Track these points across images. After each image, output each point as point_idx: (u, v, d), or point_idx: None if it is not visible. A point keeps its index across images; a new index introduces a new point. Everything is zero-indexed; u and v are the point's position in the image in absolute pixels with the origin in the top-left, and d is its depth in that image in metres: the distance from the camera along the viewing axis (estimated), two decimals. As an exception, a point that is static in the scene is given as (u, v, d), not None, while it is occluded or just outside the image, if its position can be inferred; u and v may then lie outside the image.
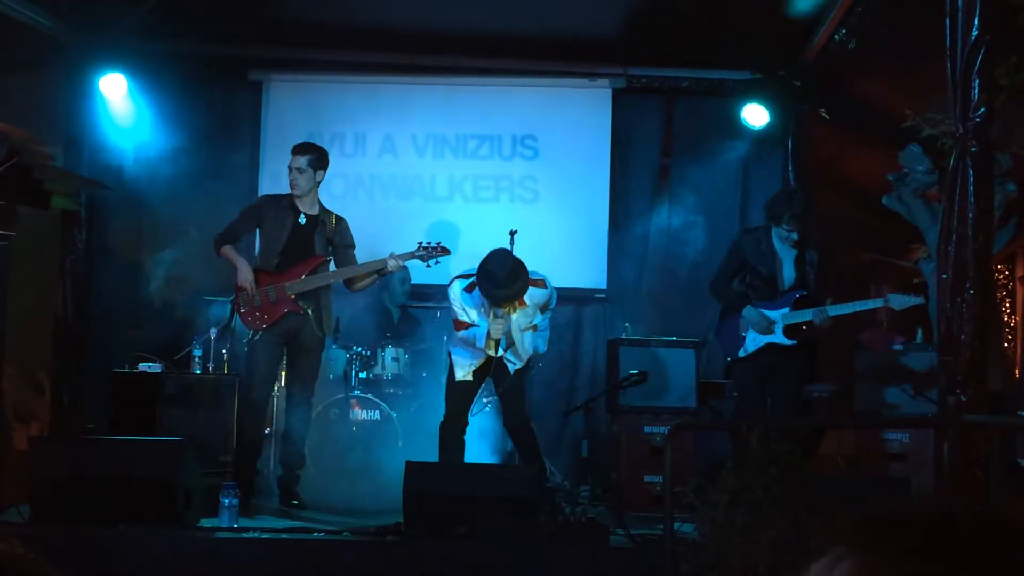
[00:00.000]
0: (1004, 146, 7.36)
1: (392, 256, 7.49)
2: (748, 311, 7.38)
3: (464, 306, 7.05)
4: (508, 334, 6.95)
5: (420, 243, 7.57)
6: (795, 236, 7.40)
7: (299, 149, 7.73)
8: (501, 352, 7.00)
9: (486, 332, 6.90)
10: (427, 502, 6.12)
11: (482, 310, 6.97)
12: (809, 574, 1.27)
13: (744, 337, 7.42)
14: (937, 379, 6.16)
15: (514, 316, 6.98)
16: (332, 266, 7.77)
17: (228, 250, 7.66)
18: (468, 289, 7.04)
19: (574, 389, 8.99)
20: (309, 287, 7.51)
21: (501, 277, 6.80)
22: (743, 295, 7.49)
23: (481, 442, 7.91)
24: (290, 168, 7.67)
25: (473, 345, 7.01)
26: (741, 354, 7.43)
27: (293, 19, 9.48)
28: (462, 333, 7.08)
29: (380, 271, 7.56)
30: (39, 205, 8.62)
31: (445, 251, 7.50)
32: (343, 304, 7.90)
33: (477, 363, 7.11)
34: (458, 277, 7.18)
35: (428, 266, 7.60)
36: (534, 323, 7.05)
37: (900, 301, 7.31)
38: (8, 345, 7.66)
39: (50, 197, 8.52)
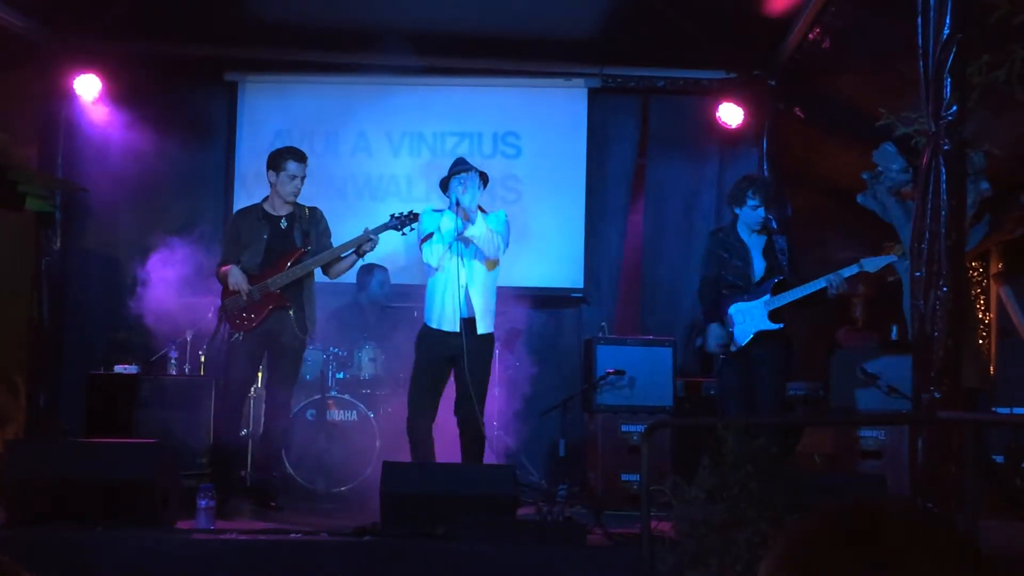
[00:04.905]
0: (977, 144, 7.41)
1: (367, 230, 7.48)
2: (712, 328, 7.52)
3: (431, 216, 7.23)
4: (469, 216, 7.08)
5: (392, 215, 7.56)
6: (761, 212, 7.45)
7: (299, 156, 7.64)
8: (466, 230, 7.07)
9: (450, 219, 7.07)
10: (404, 502, 6.12)
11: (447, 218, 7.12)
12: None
13: (731, 333, 7.44)
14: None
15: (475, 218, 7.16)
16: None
17: (223, 269, 7.61)
18: (436, 210, 7.29)
19: (550, 388, 8.99)
20: (292, 278, 7.49)
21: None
22: (716, 306, 7.57)
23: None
24: (292, 177, 7.56)
25: (437, 253, 7.09)
26: (732, 348, 7.44)
27: (269, 20, 9.45)
28: (426, 245, 7.16)
29: (358, 249, 7.51)
30: (14, 207, 8.59)
31: (417, 217, 7.48)
32: (321, 305, 7.88)
33: (455, 304, 7.10)
34: None
35: (403, 234, 7.59)
36: (493, 231, 7.14)
37: (874, 263, 7.35)
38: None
39: (25, 199, 8.49)
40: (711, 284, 7.65)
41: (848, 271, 7.31)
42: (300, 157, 7.64)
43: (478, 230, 7.06)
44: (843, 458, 7.98)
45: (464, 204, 7.01)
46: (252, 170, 9.44)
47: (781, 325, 7.39)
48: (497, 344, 7.73)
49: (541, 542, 6.00)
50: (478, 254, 7.13)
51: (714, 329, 7.52)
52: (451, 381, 7.29)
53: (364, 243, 7.47)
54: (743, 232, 7.57)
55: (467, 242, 7.12)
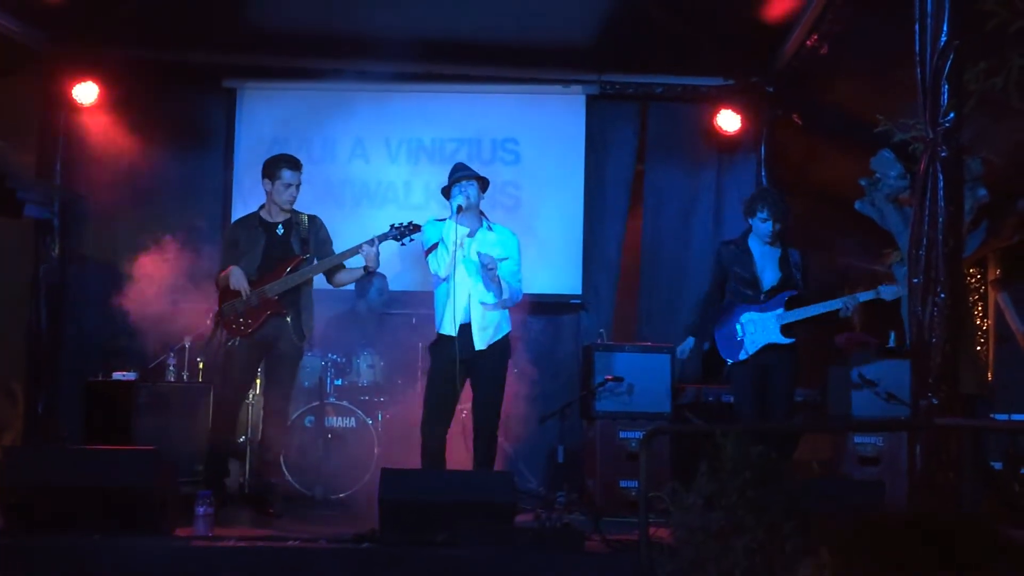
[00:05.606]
0: (974, 151, 7.42)
1: (368, 241, 7.46)
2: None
3: (434, 226, 7.20)
4: (475, 256, 7.04)
5: (392, 224, 7.54)
6: (770, 225, 7.46)
7: (294, 163, 7.61)
8: (468, 256, 7.07)
9: (452, 228, 7.04)
10: (403, 509, 6.11)
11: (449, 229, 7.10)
12: None
13: (742, 340, 7.47)
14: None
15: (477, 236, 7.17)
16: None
17: (223, 273, 7.60)
18: (439, 219, 7.26)
19: (549, 395, 8.98)
20: (290, 284, 7.47)
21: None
22: (703, 324, 7.81)
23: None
24: (287, 185, 7.55)
25: (443, 262, 7.06)
26: (742, 356, 7.47)
27: (268, 27, 9.45)
28: (431, 256, 7.14)
29: (367, 266, 7.49)
30: (12, 213, 8.60)
31: (417, 228, 7.46)
32: (319, 311, 7.88)
33: (457, 311, 7.08)
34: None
35: (403, 244, 7.57)
36: (496, 258, 7.08)
37: (891, 292, 7.41)
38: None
39: (23, 205, 8.50)
40: (709, 297, 7.82)
41: (864, 296, 7.41)
42: (295, 165, 7.63)
43: (500, 303, 7.13)
44: (841, 465, 7.98)
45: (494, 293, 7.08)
46: (250, 177, 9.42)
47: (793, 340, 7.46)
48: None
49: (539, 549, 5.99)
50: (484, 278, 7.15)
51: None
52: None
53: (367, 257, 7.43)
54: (754, 243, 7.63)
55: (472, 253, 7.11)
